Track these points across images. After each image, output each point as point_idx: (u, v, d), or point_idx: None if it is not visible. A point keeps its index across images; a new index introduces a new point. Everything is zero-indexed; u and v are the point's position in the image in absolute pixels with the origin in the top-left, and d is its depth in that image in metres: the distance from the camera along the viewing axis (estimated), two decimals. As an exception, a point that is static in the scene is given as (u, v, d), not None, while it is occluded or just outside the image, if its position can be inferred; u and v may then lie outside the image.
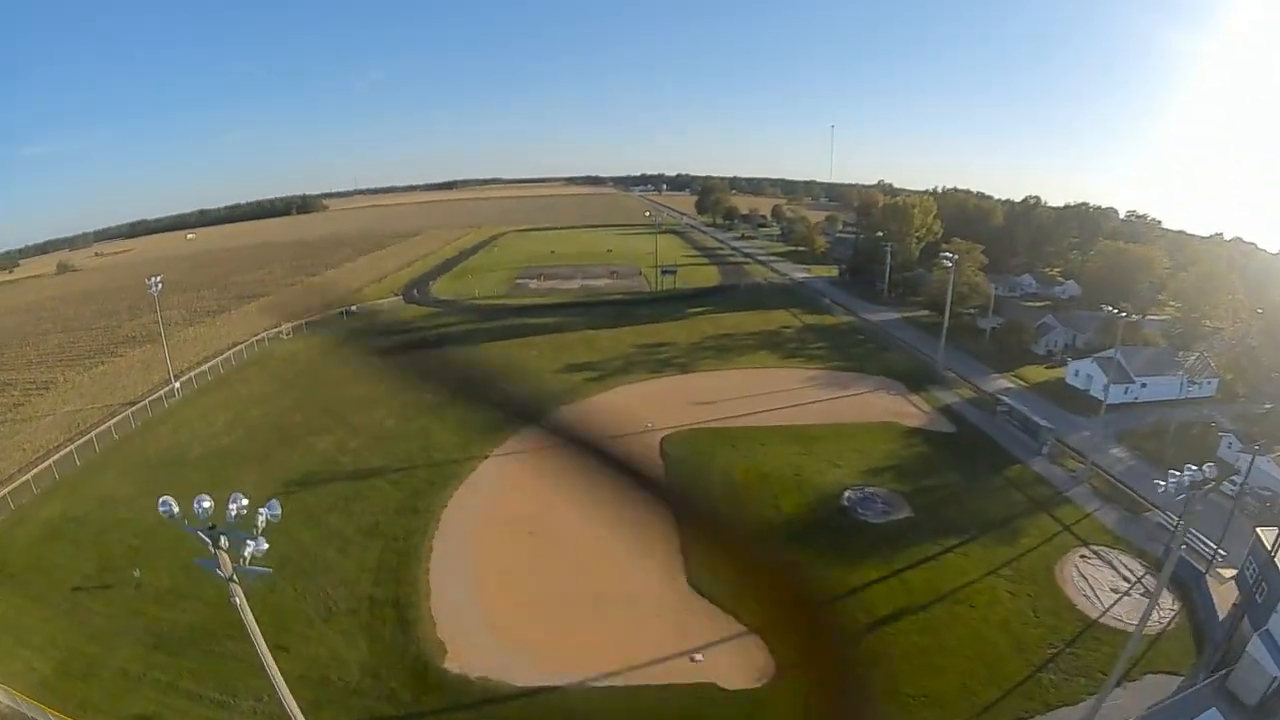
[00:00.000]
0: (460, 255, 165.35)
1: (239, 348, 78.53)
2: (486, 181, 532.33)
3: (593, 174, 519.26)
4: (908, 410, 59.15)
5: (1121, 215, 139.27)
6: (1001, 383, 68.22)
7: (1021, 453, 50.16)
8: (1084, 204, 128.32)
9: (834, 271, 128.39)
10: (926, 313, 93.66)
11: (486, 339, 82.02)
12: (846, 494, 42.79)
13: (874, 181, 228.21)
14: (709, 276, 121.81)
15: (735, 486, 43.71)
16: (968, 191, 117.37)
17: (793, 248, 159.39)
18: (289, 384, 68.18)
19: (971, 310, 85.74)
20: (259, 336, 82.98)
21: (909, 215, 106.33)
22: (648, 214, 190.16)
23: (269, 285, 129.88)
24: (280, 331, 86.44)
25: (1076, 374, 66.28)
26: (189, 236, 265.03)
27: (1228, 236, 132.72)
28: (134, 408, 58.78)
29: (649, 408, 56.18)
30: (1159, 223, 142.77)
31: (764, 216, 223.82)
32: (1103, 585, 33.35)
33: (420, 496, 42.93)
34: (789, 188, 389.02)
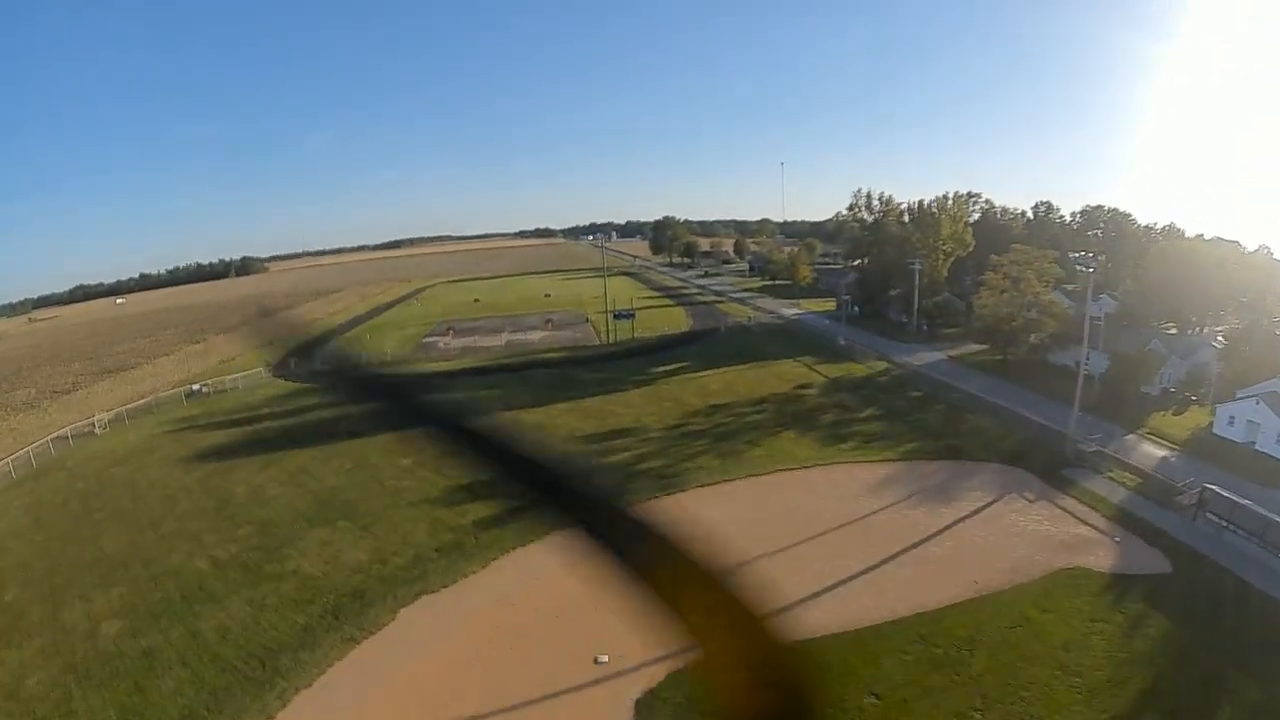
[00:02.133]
0: (373, 311, 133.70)
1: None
2: (437, 239, 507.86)
3: (543, 226, 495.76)
4: (1073, 532, 31.38)
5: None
6: (1147, 448, 41.50)
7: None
8: (1099, 207, 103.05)
9: (830, 305, 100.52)
10: (979, 348, 65.77)
11: (346, 435, 50.01)
12: None
13: (829, 216, 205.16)
14: (676, 320, 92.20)
15: None
16: (978, 197, 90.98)
17: (768, 281, 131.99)
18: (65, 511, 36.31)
19: (1040, 341, 57.84)
20: (61, 432, 54.53)
21: (936, 224, 79.15)
22: (593, 238, 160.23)
23: (140, 355, 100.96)
24: (92, 424, 55.84)
25: (1231, 421, 42.63)
26: (118, 301, 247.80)
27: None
28: None
29: (596, 611, 25.13)
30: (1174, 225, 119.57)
31: (727, 252, 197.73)
32: None
33: None
34: (742, 228, 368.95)
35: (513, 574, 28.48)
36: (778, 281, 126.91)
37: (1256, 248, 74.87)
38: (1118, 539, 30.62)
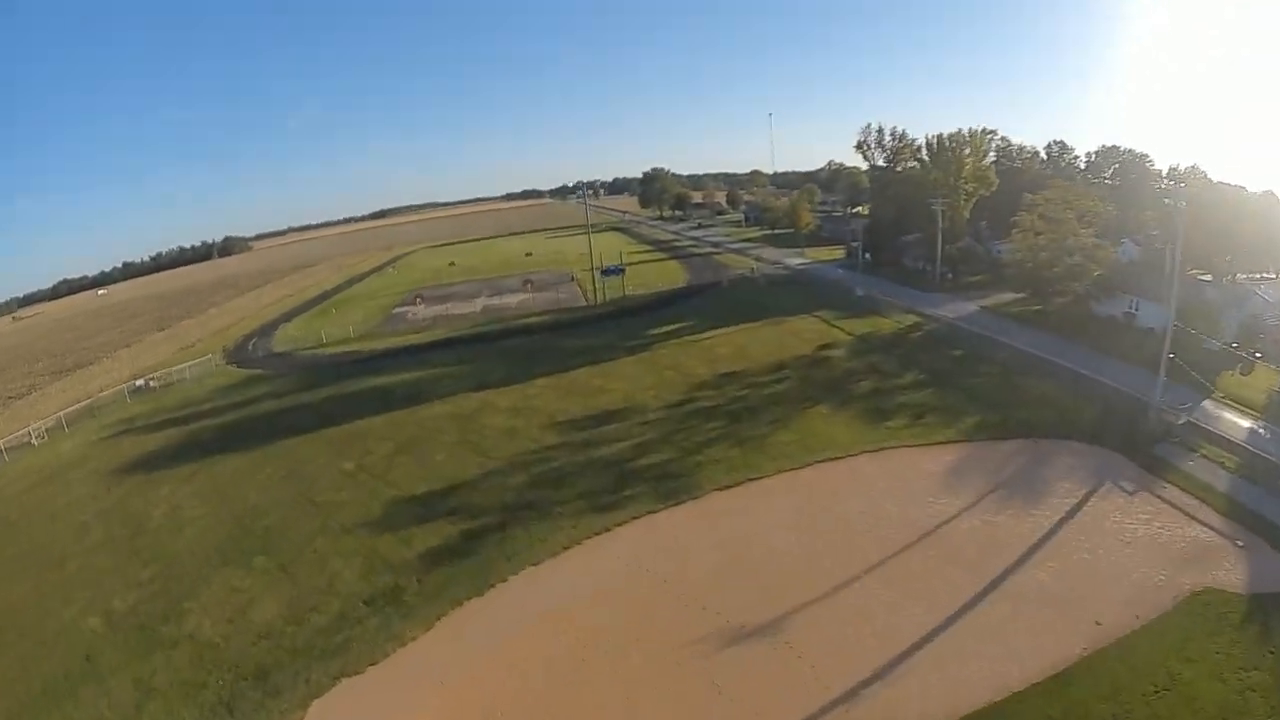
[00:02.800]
0: (348, 282, 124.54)
1: None
2: (421, 207, 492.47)
3: (530, 188, 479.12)
4: (1190, 536, 24.36)
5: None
6: (1230, 416, 33.54)
7: None
8: (1115, 147, 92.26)
9: (837, 253, 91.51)
10: (1011, 297, 57.71)
11: (286, 433, 41.73)
12: None
13: (822, 164, 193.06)
14: (671, 275, 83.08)
15: None
16: (994, 134, 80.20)
17: (767, 231, 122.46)
18: None
19: (1084, 290, 49.76)
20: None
21: (958, 160, 69.61)
22: (578, 197, 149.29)
23: (104, 349, 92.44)
24: (29, 434, 50.52)
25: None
26: (100, 293, 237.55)
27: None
28: None
29: (596, 682, 17.10)
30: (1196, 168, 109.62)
31: (720, 203, 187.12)
32: None
33: None
34: (733, 181, 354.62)
35: (463, 642, 20.47)
36: (777, 230, 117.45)
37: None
38: (1240, 542, 23.06)
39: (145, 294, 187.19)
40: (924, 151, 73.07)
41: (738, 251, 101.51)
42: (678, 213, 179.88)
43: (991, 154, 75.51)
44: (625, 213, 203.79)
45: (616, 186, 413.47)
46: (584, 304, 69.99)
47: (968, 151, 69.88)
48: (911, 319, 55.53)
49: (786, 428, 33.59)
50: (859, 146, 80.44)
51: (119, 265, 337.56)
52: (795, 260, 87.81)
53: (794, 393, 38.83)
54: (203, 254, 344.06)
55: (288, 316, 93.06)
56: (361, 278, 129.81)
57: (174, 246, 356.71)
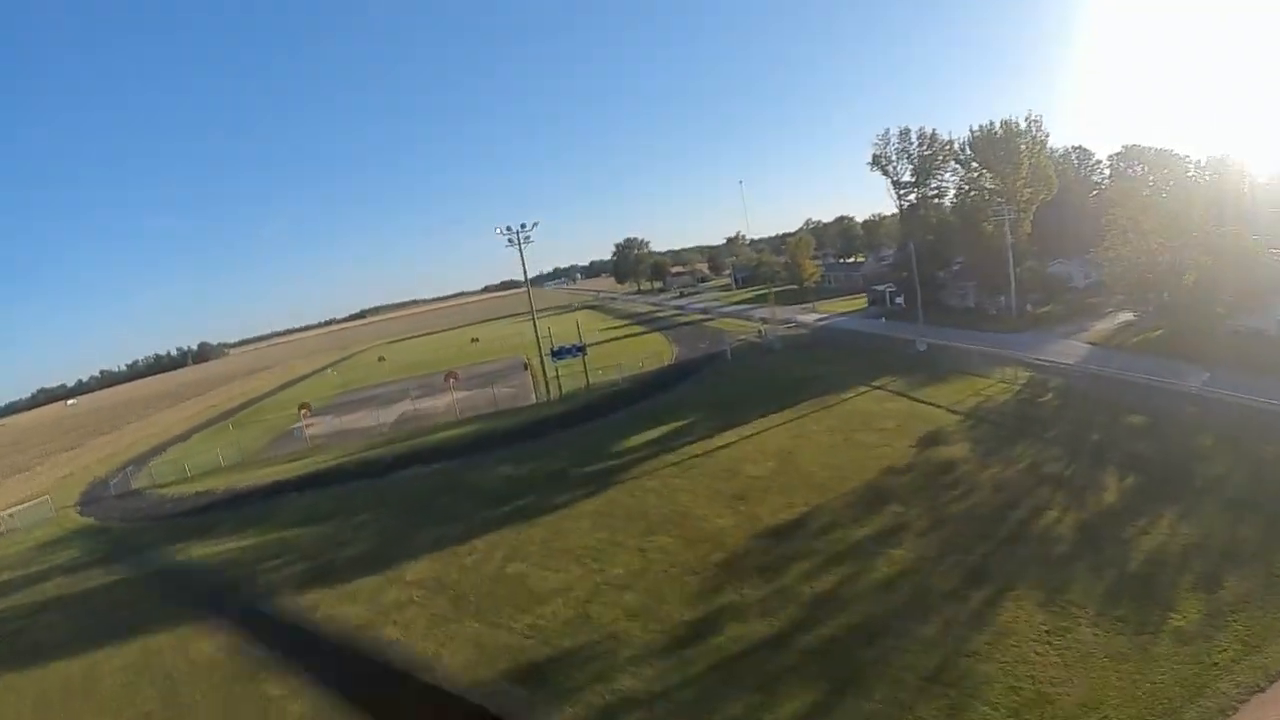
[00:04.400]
0: (280, 388, 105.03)
1: None
2: (403, 305, 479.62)
3: (509, 279, 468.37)
4: None
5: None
6: None
7: None
8: (1135, 146, 73.94)
9: (855, 304, 71.97)
10: (1118, 325, 40.68)
11: (75, 647, 19.17)
12: None
13: (799, 225, 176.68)
14: (654, 349, 62.18)
15: None
16: (1039, 121, 61.09)
17: (761, 289, 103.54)
18: None
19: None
20: None
21: (1016, 157, 50.86)
22: (556, 283, 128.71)
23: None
24: None
25: None
26: (69, 404, 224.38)
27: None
28: None
29: None
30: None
31: (701, 270, 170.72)
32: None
33: None
34: (710, 252, 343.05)
35: None
36: (774, 288, 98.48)
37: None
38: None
39: (114, 402, 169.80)
40: (967, 150, 54.20)
41: (733, 315, 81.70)
42: (657, 284, 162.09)
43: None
44: (600, 291, 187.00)
45: (593, 270, 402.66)
46: (533, 401, 48.50)
47: (1024, 146, 51.19)
48: (1021, 373, 35.04)
49: (974, 694, 11.89)
50: (875, 161, 61.88)
51: (96, 374, 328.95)
52: (809, 317, 67.71)
53: (932, 567, 17.15)
54: (178, 361, 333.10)
55: (188, 435, 71.89)
56: (297, 381, 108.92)
57: (151, 354, 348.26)
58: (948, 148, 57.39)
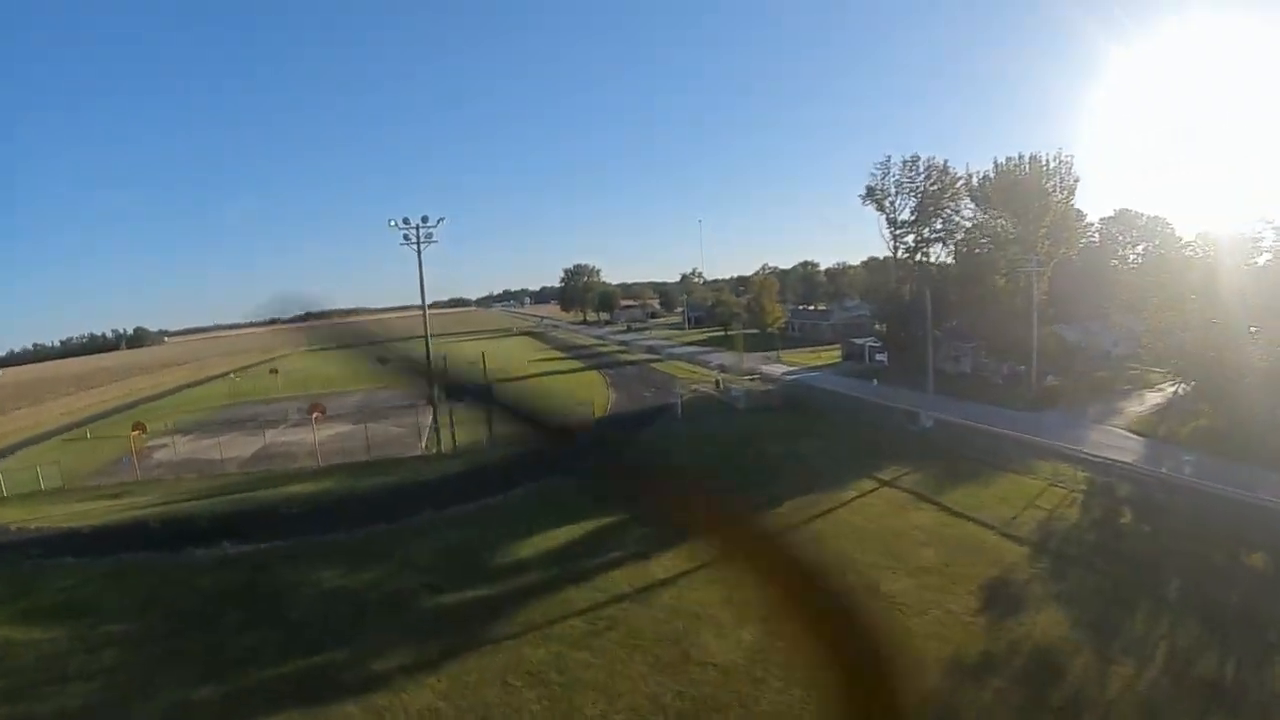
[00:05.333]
0: (177, 389, 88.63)
1: None
2: (350, 311, 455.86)
3: (458, 296, 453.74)
4: None
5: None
6: None
7: None
8: (1126, 210, 68.80)
9: (827, 355, 62.78)
10: (1149, 407, 33.73)
11: None
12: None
13: (757, 268, 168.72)
14: (589, 394, 50.66)
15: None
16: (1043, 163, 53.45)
17: (716, 331, 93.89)
18: None
19: None
20: None
21: (1043, 199, 42.60)
22: (503, 305, 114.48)
23: None
24: None
25: None
26: None
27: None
28: None
29: None
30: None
31: (653, 305, 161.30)
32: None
33: None
34: (662, 290, 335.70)
35: None
36: (729, 332, 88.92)
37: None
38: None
39: (32, 378, 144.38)
40: (984, 187, 45.73)
41: (685, 358, 71.10)
42: (604, 315, 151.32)
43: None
44: (544, 318, 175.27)
45: (543, 296, 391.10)
46: (419, 451, 36.18)
47: (1051, 188, 43.02)
48: (1074, 473, 25.25)
49: None
50: (870, 194, 53.11)
51: (29, 346, 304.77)
52: (774, 368, 57.65)
53: None
54: (113, 344, 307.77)
55: (50, 436, 57.01)
56: (201, 383, 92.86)
57: (85, 333, 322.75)
58: (960, 183, 49.00)
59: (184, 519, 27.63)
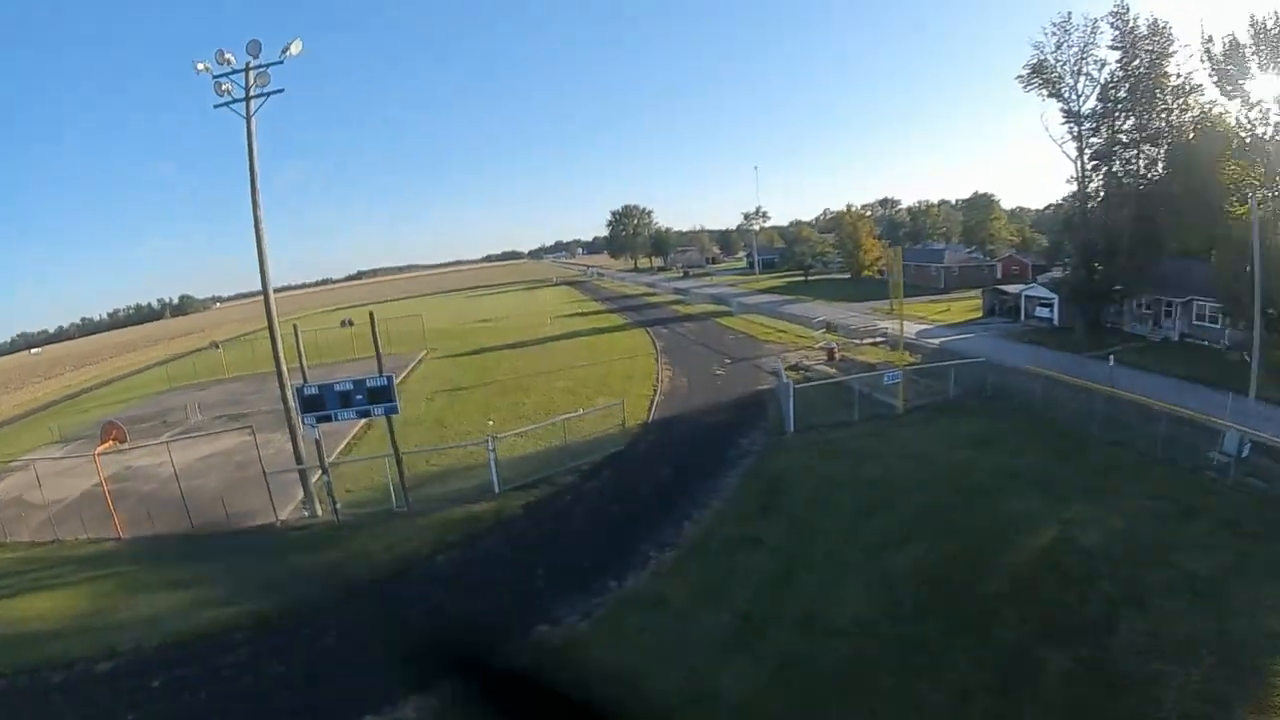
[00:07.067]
0: (177, 356, 75.66)
1: None
2: (401, 269, 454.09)
3: (511, 250, 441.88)
4: None
5: None
6: None
7: None
8: None
9: (961, 307, 44.79)
10: None
11: None
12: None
13: (816, 215, 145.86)
14: (628, 367, 34.84)
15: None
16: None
17: (794, 276, 75.86)
18: None
19: None
20: None
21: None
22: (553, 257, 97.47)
23: None
24: None
25: None
26: (33, 352, 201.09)
27: None
28: None
29: None
30: None
31: (713, 250, 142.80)
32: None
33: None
34: (721, 238, 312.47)
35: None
36: (804, 278, 70.76)
37: None
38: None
39: (73, 353, 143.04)
40: (1234, 56, 26.06)
41: (763, 310, 53.50)
42: (656, 262, 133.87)
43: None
44: (591, 267, 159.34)
45: (595, 246, 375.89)
46: (277, 518, 20.58)
47: None
48: None
49: None
50: (1037, 72, 33.66)
51: (77, 321, 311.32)
52: (893, 326, 39.94)
53: None
54: (158, 313, 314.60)
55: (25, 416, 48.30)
56: (173, 360, 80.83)
57: (132, 304, 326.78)
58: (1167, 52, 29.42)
59: None
